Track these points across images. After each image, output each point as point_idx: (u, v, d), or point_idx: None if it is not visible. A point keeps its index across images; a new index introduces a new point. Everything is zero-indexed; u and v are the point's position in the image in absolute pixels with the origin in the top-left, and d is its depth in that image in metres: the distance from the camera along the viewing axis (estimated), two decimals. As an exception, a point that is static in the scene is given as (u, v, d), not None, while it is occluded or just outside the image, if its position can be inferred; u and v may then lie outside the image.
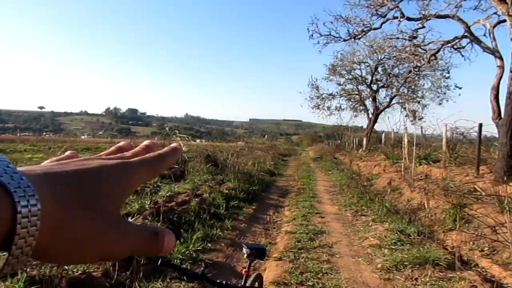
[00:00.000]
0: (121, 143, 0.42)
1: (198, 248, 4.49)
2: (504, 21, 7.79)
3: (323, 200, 8.55)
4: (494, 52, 8.13)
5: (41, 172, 0.28)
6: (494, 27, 8.48)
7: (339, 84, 26.83)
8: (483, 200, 6.03)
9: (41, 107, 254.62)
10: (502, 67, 7.93)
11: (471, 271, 3.96)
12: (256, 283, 2.21)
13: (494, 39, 8.29)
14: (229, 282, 1.48)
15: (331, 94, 27.00)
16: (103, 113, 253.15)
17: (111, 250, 0.31)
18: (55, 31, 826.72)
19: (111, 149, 0.41)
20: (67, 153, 0.39)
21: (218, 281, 1.48)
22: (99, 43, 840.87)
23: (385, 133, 20.77)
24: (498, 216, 4.67)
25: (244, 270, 2.03)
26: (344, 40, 12.91)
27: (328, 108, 27.28)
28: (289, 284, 3.65)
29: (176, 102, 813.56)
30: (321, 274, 3.89)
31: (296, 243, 4.95)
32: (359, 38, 12.70)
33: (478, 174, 8.32)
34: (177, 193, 6.49)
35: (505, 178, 6.84)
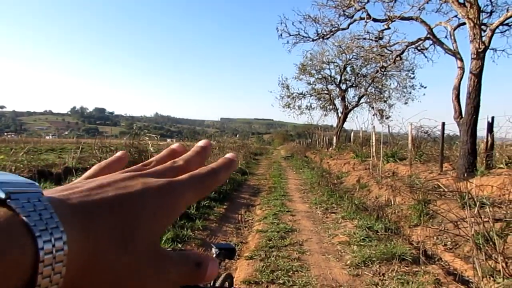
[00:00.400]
0: (175, 146, 0.38)
1: (168, 249, 4.42)
2: (464, 23, 8.10)
3: (294, 199, 8.64)
4: (455, 54, 8.44)
5: (76, 201, 0.25)
6: (454, 29, 8.82)
7: (309, 84, 27.16)
8: (446, 196, 6.27)
9: (1, 107, 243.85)
10: (462, 68, 8.26)
11: (435, 265, 4.12)
12: (226, 283, 2.19)
13: (455, 41, 8.61)
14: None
15: (301, 93, 27.29)
16: (69, 113, 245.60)
17: None
18: (16, 27, 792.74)
19: (163, 153, 0.38)
20: (118, 154, 0.36)
21: None
22: (65, 40, 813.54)
23: (354, 132, 21.23)
24: (460, 212, 4.87)
25: (213, 270, 2.01)
26: (313, 40, 13.03)
27: (299, 107, 27.60)
28: (260, 282, 3.66)
29: (146, 101, 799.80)
30: (291, 272, 3.93)
31: (267, 241, 4.97)
32: (327, 38, 12.86)
33: (442, 171, 8.66)
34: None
35: (466, 175, 7.14)
